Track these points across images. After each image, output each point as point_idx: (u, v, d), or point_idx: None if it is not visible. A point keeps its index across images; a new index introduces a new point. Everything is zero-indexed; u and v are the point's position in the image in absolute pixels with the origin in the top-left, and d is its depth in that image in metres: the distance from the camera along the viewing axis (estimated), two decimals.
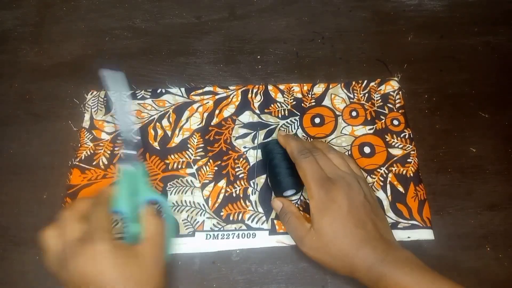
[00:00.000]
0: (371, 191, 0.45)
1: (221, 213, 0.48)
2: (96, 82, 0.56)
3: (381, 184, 0.49)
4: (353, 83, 0.55)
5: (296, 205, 0.48)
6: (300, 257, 0.47)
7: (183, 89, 0.55)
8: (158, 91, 0.55)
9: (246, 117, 0.53)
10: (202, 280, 0.45)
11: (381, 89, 0.55)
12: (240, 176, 0.50)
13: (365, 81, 0.55)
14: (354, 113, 0.53)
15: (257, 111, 0.54)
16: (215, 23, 0.62)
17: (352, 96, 0.55)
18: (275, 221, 0.47)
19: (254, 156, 0.51)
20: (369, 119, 0.53)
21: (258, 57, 0.59)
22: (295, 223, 0.44)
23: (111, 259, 0.35)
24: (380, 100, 0.54)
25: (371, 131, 0.52)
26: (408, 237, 0.46)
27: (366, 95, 0.54)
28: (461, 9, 0.63)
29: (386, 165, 0.50)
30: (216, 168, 0.50)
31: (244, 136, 0.52)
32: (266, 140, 0.51)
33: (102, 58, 0.58)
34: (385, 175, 0.49)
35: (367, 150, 0.51)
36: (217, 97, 0.55)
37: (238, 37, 0.61)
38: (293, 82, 0.56)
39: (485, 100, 0.54)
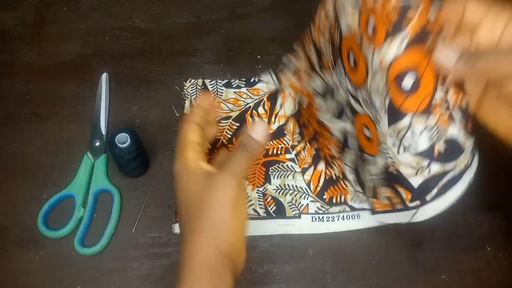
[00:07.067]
0: None
1: (324, 196, 0.48)
2: (96, 82, 0.56)
3: (447, 115, 0.34)
4: None
5: None
6: (300, 257, 0.47)
7: (273, 75, 0.55)
8: (252, 80, 0.56)
9: (316, 82, 0.48)
10: None
11: None
12: (335, 155, 0.49)
13: None
14: (371, 26, 0.33)
15: (318, 70, 0.47)
16: (215, 23, 0.62)
17: None
18: (372, 200, 0.44)
19: (337, 129, 0.47)
20: (392, 26, 0.31)
21: (258, 57, 0.59)
22: None
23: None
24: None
25: (403, 46, 0.31)
26: None
27: None
28: None
29: (439, 84, 0.33)
30: (314, 152, 0.50)
31: (322, 106, 0.49)
32: None
33: (102, 58, 0.58)
34: (445, 100, 0.33)
35: (409, 81, 0.32)
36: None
37: (238, 37, 0.61)
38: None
39: None
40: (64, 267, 0.46)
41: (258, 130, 0.35)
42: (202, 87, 0.55)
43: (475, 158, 0.37)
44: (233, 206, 0.33)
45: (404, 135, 0.35)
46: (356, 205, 0.48)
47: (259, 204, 0.48)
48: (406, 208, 0.39)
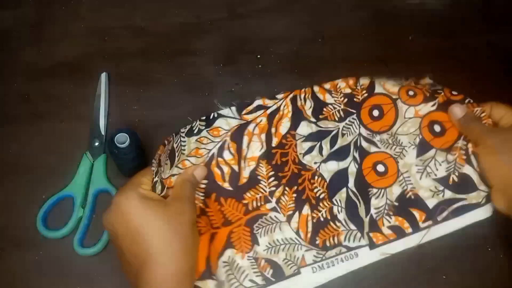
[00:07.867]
0: None
1: (317, 242, 0.44)
2: (96, 82, 0.56)
3: (464, 157, 0.46)
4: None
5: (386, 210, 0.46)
6: None
7: (233, 108, 0.49)
8: (211, 116, 0.48)
9: (304, 128, 0.49)
10: None
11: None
12: (321, 196, 0.46)
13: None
14: (411, 92, 0.49)
15: (313, 119, 0.50)
16: (215, 23, 0.61)
17: (400, 81, 0.51)
18: (371, 234, 0.45)
19: (327, 170, 0.48)
20: (428, 95, 0.49)
21: (258, 57, 0.59)
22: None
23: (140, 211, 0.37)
24: (428, 86, 0.51)
25: (435, 107, 0.48)
26: None
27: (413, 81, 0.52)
28: (463, 9, 0.62)
29: (462, 137, 0.47)
30: (295, 195, 0.46)
31: (310, 150, 0.48)
32: None
33: (101, 58, 0.58)
34: (464, 148, 0.46)
35: (437, 128, 0.47)
36: (268, 112, 0.49)
37: (238, 36, 0.60)
38: (293, 82, 0.55)
39: (486, 100, 0.54)
40: (63, 268, 0.46)
41: (198, 172, 0.44)
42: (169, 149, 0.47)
43: (490, 206, 0.45)
44: (194, 227, 0.40)
45: (428, 163, 0.47)
46: (351, 244, 0.45)
47: (254, 272, 0.43)
48: (417, 230, 0.45)
